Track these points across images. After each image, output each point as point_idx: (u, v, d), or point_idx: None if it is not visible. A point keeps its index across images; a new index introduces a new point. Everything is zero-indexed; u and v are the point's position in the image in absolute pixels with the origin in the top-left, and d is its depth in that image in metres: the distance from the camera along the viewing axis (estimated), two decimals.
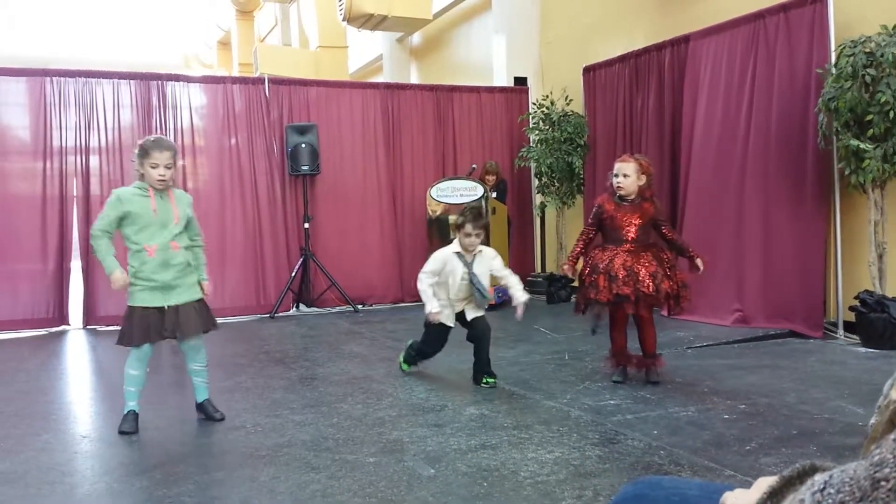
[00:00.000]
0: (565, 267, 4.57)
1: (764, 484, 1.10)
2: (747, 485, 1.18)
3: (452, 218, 8.08)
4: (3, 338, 7.13)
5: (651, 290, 4.20)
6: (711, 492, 1.31)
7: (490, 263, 4.58)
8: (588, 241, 4.55)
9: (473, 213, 4.48)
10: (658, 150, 7.60)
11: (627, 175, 4.33)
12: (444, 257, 4.53)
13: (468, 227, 4.43)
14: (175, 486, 3.01)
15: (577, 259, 4.54)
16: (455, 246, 4.54)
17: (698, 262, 4.42)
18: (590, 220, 4.53)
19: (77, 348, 6.85)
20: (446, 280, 4.53)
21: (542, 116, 8.60)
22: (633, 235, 4.33)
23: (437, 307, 4.50)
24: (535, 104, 8.83)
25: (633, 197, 4.37)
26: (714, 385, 4.26)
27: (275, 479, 3.04)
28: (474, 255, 4.51)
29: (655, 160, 7.60)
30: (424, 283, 4.52)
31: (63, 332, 7.47)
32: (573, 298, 4.92)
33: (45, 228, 7.52)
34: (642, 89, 7.82)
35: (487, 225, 4.54)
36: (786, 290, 5.99)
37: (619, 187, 4.34)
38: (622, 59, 8.05)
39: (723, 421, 3.64)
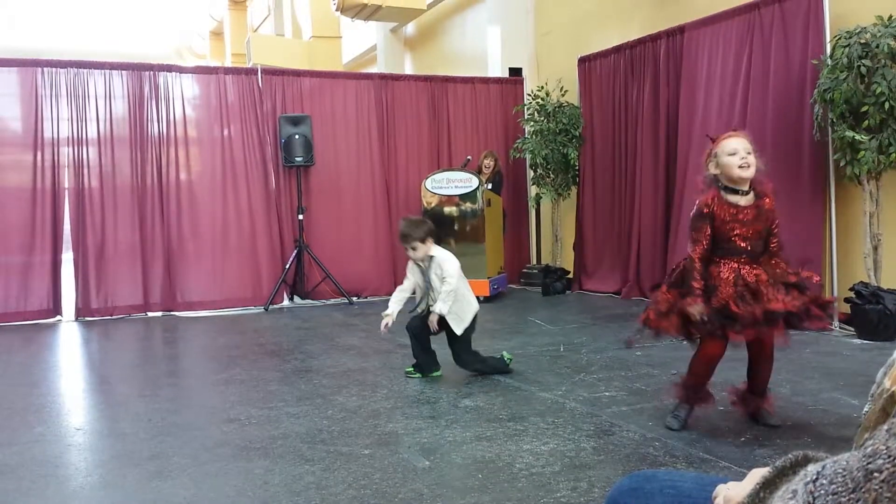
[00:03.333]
0: (696, 308, 3.23)
1: (757, 475, 1.09)
2: (742, 476, 1.18)
3: (448, 209, 8.08)
4: None
5: (797, 307, 3.21)
6: (706, 484, 1.31)
7: (438, 268, 4.55)
8: (704, 260, 3.35)
9: (400, 233, 4.51)
10: (653, 140, 7.60)
11: (751, 152, 3.28)
12: (410, 268, 4.68)
13: (405, 247, 4.54)
14: (169, 478, 3.01)
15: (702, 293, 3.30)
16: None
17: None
18: (700, 233, 3.32)
19: (69, 340, 6.83)
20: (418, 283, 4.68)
21: (538, 107, 8.58)
22: (751, 244, 3.31)
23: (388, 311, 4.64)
24: (530, 95, 8.81)
25: (747, 187, 3.33)
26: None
27: (269, 471, 3.04)
28: (428, 264, 4.55)
29: (651, 151, 7.61)
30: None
31: (55, 324, 7.44)
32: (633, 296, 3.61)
33: (37, 220, 7.48)
34: (638, 80, 7.80)
35: (413, 236, 4.44)
36: None
37: (744, 166, 3.25)
38: (617, 49, 8.03)
39: (718, 412, 3.64)
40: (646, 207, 7.71)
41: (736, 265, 3.29)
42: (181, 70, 8.40)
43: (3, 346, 6.41)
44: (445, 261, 4.52)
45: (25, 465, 3.23)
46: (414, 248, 4.48)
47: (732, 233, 3.29)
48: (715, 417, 3.57)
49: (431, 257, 4.52)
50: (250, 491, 2.84)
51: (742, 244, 3.30)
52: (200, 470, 3.10)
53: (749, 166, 3.26)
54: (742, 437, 3.27)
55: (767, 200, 3.36)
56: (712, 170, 3.36)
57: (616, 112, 8.12)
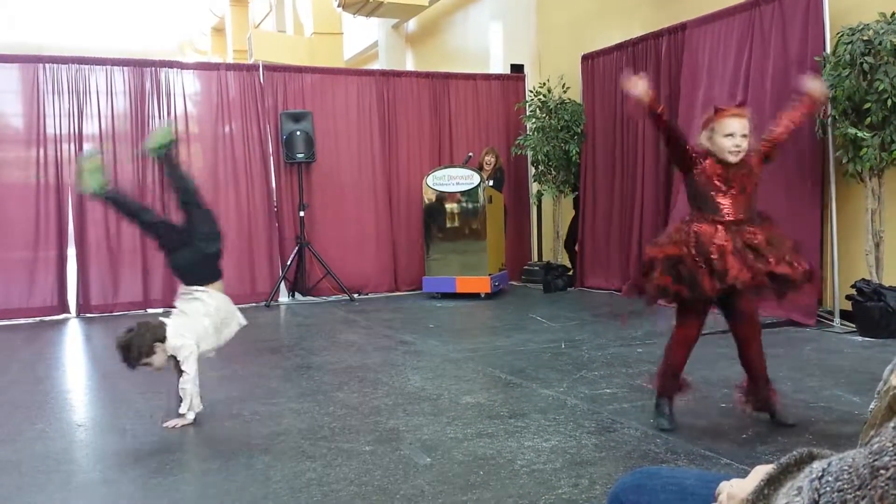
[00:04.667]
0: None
1: (761, 472, 1.09)
2: (744, 473, 1.18)
3: (449, 206, 8.07)
4: None
5: (787, 271, 3.17)
6: (708, 481, 1.31)
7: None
8: (675, 130, 3.45)
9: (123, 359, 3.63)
10: (655, 137, 7.58)
11: (746, 135, 3.28)
12: None
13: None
14: (171, 474, 3.01)
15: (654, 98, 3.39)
16: None
17: (811, 86, 3.48)
18: (689, 148, 3.39)
19: (72, 337, 6.83)
20: None
21: (539, 104, 8.57)
22: (741, 207, 3.28)
23: None
24: (531, 92, 8.80)
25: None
26: (710, 374, 4.26)
27: (271, 467, 3.04)
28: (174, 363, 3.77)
29: (652, 148, 7.61)
30: None
31: (57, 321, 7.44)
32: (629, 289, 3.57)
33: (40, 217, 7.47)
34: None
35: (140, 355, 3.57)
36: None
37: (734, 151, 3.26)
38: (620, 46, 8.02)
39: (719, 409, 3.64)
40: (647, 204, 7.70)
41: (728, 224, 3.24)
42: (182, 66, 8.39)
43: (7, 342, 6.41)
44: (180, 349, 3.67)
45: (27, 461, 3.23)
46: (149, 364, 3.61)
47: (720, 188, 3.28)
48: (716, 414, 3.57)
49: (172, 357, 3.69)
50: (252, 487, 2.84)
51: (728, 202, 3.27)
52: (202, 466, 3.11)
53: (740, 152, 3.27)
54: (743, 434, 3.27)
55: (752, 158, 3.34)
56: (705, 141, 3.37)
57: (618, 109, 8.11)
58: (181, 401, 3.69)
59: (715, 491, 1.20)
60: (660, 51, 7.48)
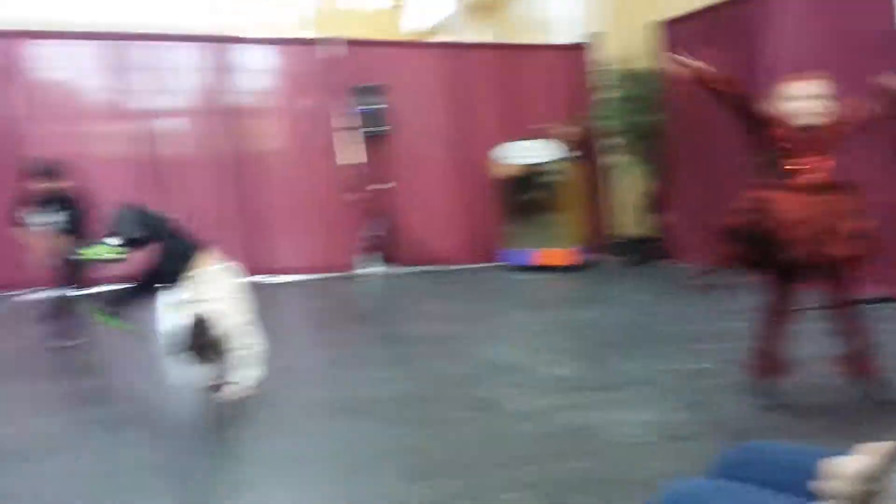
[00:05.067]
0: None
1: (870, 449, 1.11)
2: (847, 451, 1.20)
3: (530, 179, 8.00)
4: None
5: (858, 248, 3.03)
6: (812, 455, 1.33)
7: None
8: (731, 88, 3.31)
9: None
10: None
11: (820, 97, 3.11)
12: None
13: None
14: (266, 437, 3.16)
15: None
16: None
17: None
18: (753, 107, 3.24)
19: None
20: None
21: (618, 74, 8.40)
22: (817, 172, 3.11)
23: None
24: (609, 61, 8.62)
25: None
26: (816, 350, 3.99)
27: (369, 432, 3.14)
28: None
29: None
30: None
31: None
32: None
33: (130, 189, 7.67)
34: (724, 42, 7.53)
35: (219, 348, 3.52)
36: None
37: (804, 113, 3.09)
38: (701, 13, 7.77)
39: (824, 387, 3.45)
40: (737, 174, 7.48)
41: (801, 190, 3.07)
42: (259, 42, 8.53)
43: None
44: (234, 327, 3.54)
45: (140, 417, 3.40)
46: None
47: (793, 153, 3.11)
48: (820, 392, 3.43)
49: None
50: (345, 451, 2.95)
51: (802, 168, 3.10)
52: (301, 426, 3.24)
53: (809, 114, 3.07)
54: (849, 411, 3.16)
55: (834, 125, 3.12)
56: (779, 110, 3.21)
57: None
58: (241, 368, 3.55)
59: (819, 467, 1.23)
60: (745, 15, 7.22)
